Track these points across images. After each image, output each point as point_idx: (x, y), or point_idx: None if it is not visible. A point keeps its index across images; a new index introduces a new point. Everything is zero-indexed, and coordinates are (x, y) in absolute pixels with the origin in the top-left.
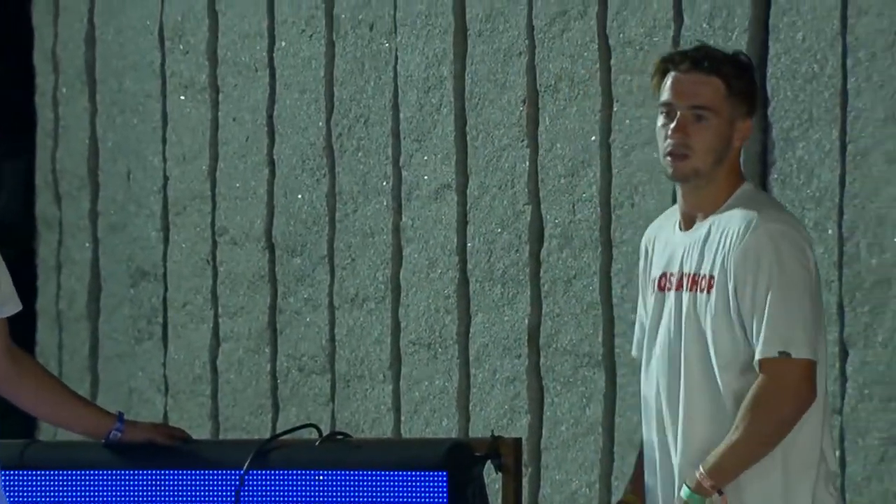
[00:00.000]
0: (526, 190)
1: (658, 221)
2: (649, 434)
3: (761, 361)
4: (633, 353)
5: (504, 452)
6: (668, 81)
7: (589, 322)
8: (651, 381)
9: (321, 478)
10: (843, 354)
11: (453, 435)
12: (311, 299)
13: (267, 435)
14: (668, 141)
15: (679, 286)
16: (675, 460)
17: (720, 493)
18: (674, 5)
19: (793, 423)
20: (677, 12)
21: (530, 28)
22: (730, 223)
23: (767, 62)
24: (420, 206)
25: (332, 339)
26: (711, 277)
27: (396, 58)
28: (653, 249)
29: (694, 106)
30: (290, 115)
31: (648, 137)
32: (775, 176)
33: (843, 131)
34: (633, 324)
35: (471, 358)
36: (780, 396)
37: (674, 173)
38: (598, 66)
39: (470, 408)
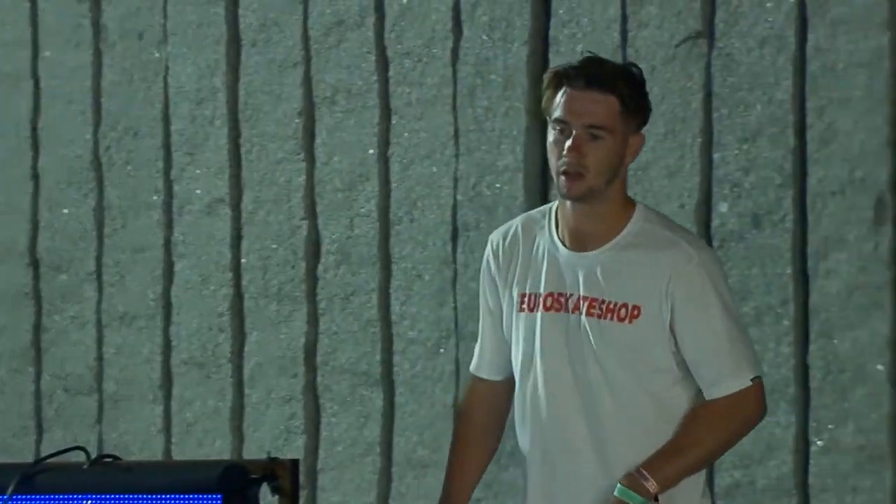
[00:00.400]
0: (302, 204)
1: (508, 231)
2: (549, 456)
3: (728, 394)
4: (473, 370)
5: (280, 474)
6: (563, 98)
7: (367, 340)
8: (546, 405)
9: (90, 502)
10: None
11: (226, 456)
12: (77, 317)
13: (31, 458)
14: (563, 159)
15: (576, 309)
16: (602, 483)
17: (656, 499)
18: (452, 17)
19: (741, 439)
20: (456, 23)
21: (306, 38)
22: (657, 252)
23: None
24: (192, 220)
25: (100, 357)
26: (636, 308)
27: (167, 68)
28: (507, 263)
29: (590, 125)
30: (56, 127)
31: (428, 151)
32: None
33: None
34: (412, 342)
35: (245, 377)
36: (746, 417)
37: (568, 193)
38: (375, 77)
39: (244, 428)
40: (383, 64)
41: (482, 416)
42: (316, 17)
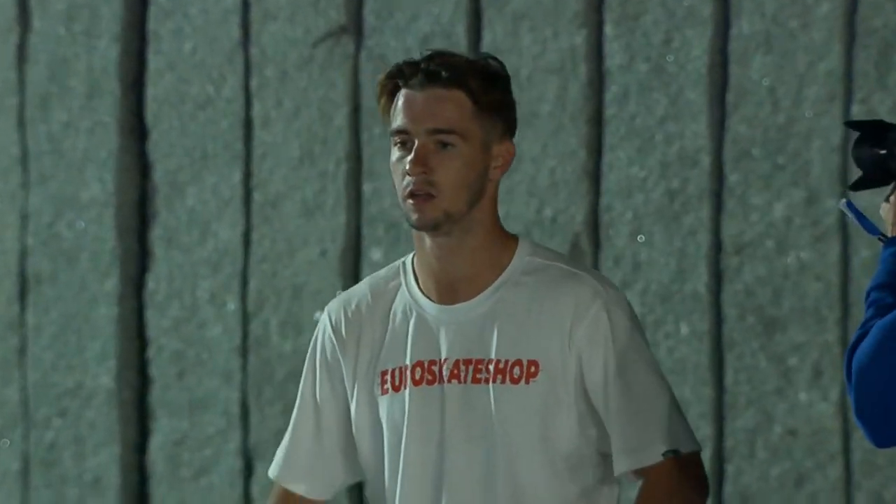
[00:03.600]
0: None
1: (351, 300)
2: None
3: (654, 466)
4: (278, 477)
5: None
6: (399, 101)
7: None
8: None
9: None
10: None
11: None
12: None
13: None
14: (407, 179)
15: (454, 377)
16: None
17: None
18: (17, 3)
19: None
20: (22, 11)
21: None
22: (553, 290)
23: (145, 80)
24: None
25: None
26: (532, 364)
27: None
28: (355, 338)
29: (434, 130)
30: None
31: None
32: (158, 232)
33: (248, 173)
34: None
35: None
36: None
37: (418, 220)
38: None
39: None
40: None
41: None
42: None
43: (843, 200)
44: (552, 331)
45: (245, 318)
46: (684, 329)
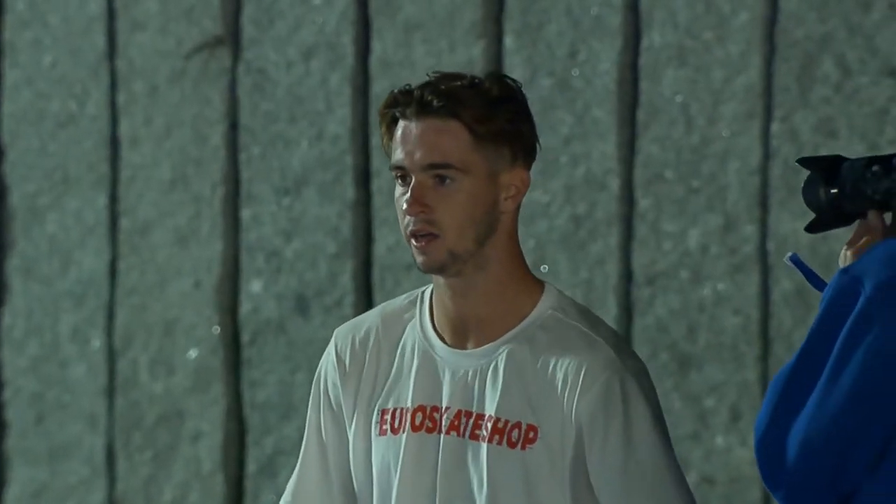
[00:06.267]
0: None
1: (360, 326)
2: None
3: None
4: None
5: None
6: (397, 134)
7: None
8: None
9: None
10: None
11: None
12: None
13: None
14: (407, 219)
15: (453, 428)
16: None
17: None
18: None
19: None
20: None
21: None
22: (565, 353)
23: (1, 96)
24: None
25: None
26: (532, 429)
27: None
28: (357, 368)
29: (431, 165)
30: None
31: None
32: (15, 262)
33: (114, 197)
34: None
35: None
36: None
37: (423, 263)
38: None
39: None
40: None
41: None
42: None
43: (789, 254)
44: (556, 398)
45: (111, 356)
46: None
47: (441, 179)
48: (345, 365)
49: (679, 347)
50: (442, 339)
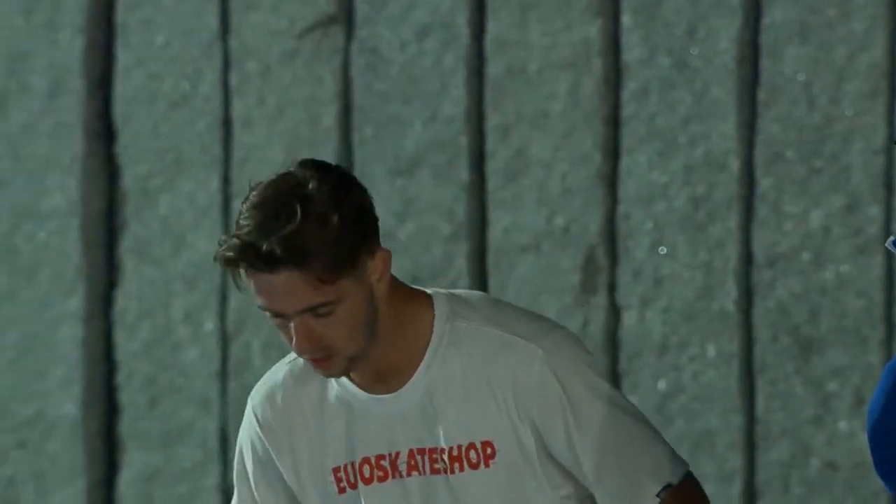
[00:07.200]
0: None
1: (275, 390)
2: None
3: None
4: None
5: None
6: (253, 282)
7: None
8: None
9: None
10: None
11: None
12: None
13: None
14: (299, 351)
15: (413, 469)
16: None
17: None
18: None
19: None
20: None
21: None
22: (484, 363)
23: (113, 77)
24: None
25: None
26: (487, 444)
27: None
28: (287, 434)
29: (305, 309)
30: None
31: None
32: (128, 244)
33: (227, 179)
34: None
35: None
36: None
37: (326, 376)
38: None
39: None
40: None
41: None
42: None
43: (892, 238)
44: (497, 408)
45: (224, 339)
46: (711, 351)
47: (317, 315)
48: (273, 430)
49: (801, 331)
50: (361, 388)
